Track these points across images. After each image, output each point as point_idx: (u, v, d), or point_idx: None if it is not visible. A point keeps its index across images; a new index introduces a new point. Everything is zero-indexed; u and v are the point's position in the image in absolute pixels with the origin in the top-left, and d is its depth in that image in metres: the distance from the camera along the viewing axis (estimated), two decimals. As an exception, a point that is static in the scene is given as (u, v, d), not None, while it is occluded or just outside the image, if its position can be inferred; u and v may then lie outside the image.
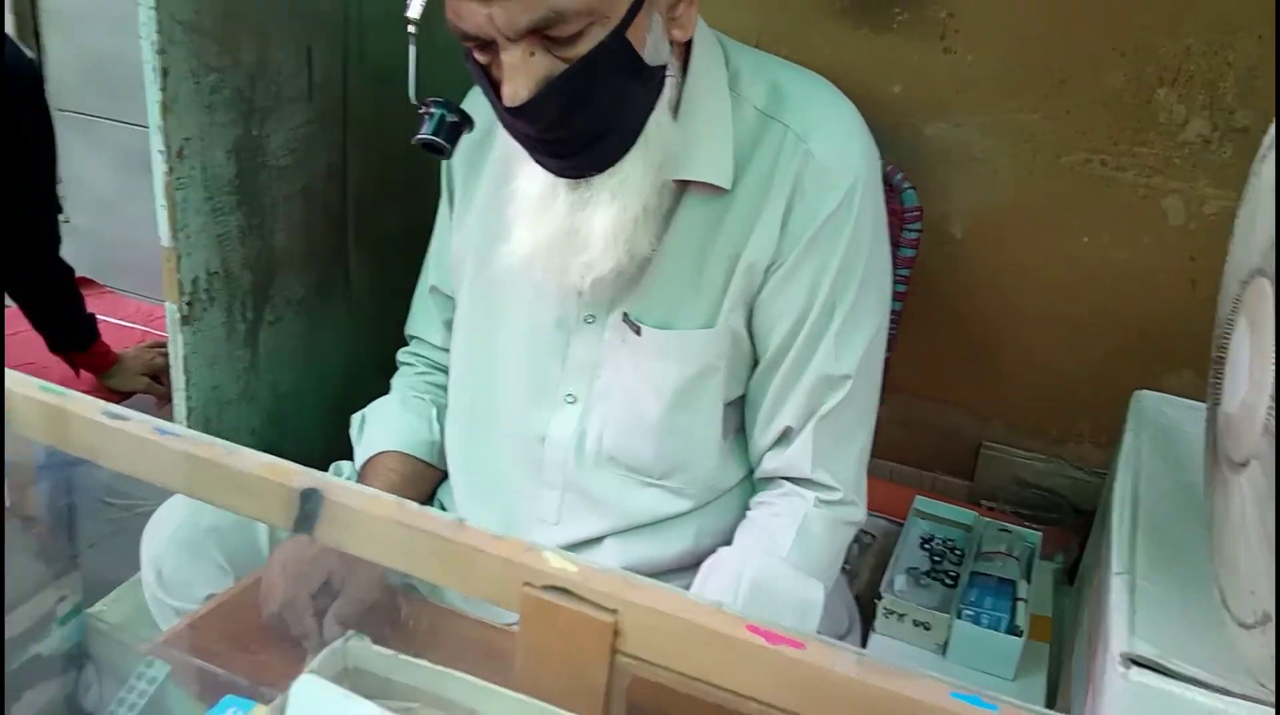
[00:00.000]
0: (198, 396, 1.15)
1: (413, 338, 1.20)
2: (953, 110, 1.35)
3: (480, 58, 0.84)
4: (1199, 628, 0.82)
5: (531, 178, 0.91)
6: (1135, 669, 0.79)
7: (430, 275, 1.15)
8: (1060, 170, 1.34)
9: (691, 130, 0.92)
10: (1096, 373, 1.40)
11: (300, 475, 0.64)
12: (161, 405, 1.74)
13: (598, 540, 1.05)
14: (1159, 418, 1.17)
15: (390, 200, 1.37)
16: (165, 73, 1.02)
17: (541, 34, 0.80)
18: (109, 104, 1.82)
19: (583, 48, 0.81)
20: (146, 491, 0.97)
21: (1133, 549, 0.95)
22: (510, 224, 0.94)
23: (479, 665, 0.63)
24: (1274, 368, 0.70)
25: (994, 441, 1.58)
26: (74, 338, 1.70)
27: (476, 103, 0.97)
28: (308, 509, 0.62)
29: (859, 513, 1.03)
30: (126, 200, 2.01)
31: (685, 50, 0.93)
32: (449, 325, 1.14)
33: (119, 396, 1.74)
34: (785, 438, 1.00)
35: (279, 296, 1.25)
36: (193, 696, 0.72)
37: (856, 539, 1.18)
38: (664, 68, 0.88)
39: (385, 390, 1.19)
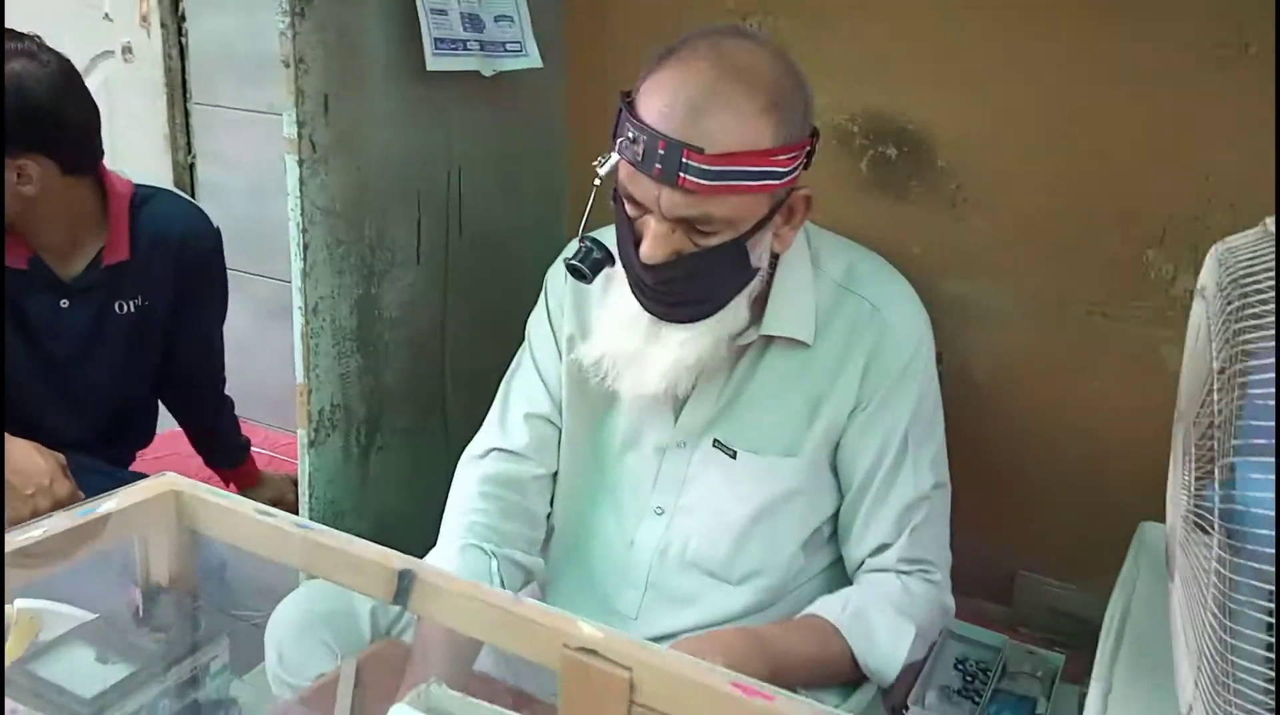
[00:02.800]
0: (319, 508, 1.37)
1: (488, 451, 1.27)
2: (966, 269, 1.53)
3: (631, 212, 1.07)
4: None
5: (626, 301, 1.12)
6: None
7: (529, 400, 1.27)
8: (1066, 322, 1.49)
9: (782, 297, 1.15)
10: (1116, 508, 1.49)
11: (399, 560, 0.84)
12: None
13: (676, 635, 1.20)
14: (1159, 545, 1.28)
15: (481, 344, 1.60)
16: (306, 247, 1.28)
17: (688, 222, 1.03)
18: (248, 261, 2.13)
19: (712, 242, 1.04)
20: (263, 605, 1.17)
21: (1113, 660, 1.06)
22: (594, 329, 1.17)
23: None
24: (1184, 494, 0.85)
25: (1027, 570, 1.67)
26: (229, 456, 1.98)
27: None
28: (404, 585, 0.82)
29: (950, 600, 1.24)
30: (259, 344, 2.32)
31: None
32: (537, 440, 1.26)
33: (250, 511, 1.99)
34: (881, 549, 1.20)
35: (387, 426, 1.48)
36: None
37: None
38: (759, 269, 1.11)
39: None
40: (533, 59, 1.51)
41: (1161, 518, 1.32)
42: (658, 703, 0.74)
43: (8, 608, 0.90)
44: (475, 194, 1.55)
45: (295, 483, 2.01)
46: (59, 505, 1.47)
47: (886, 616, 1.15)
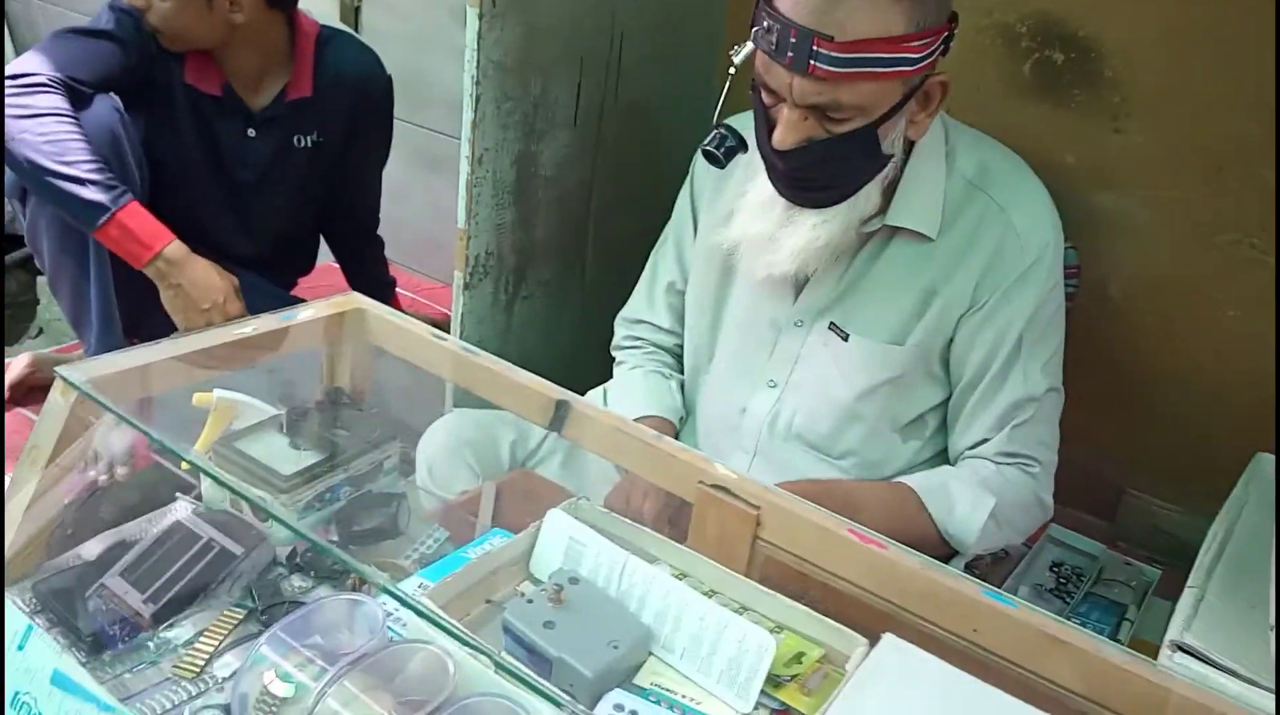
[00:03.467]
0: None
1: (636, 322, 1.44)
2: (1118, 183, 1.51)
3: (766, 99, 1.11)
4: (1245, 633, 0.96)
5: (762, 187, 1.18)
6: (1180, 654, 0.95)
7: (668, 271, 1.39)
8: (1213, 247, 1.47)
9: (911, 189, 1.18)
10: (1232, 435, 1.49)
11: (557, 391, 0.93)
12: None
13: None
14: (1270, 477, 1.30)
15: (623, 209, 1.68)
16: (478, 99, 1.35)
17: (819, 109, 1.06)
18: (405, 109, 2.21)
19: (844, 128, 1.07)
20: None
21: (1210, 573, 1.09)
22: (735, 214, 1.21)
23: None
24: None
25: (1137, 490, 1.69)
26: (377, 293, 2.09)
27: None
28: (560, 413, 0.91)
29: (1047, 496, 1.26)
30: (410, 191, 2.43)
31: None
32: (676, 314, 1.40)
33: (386, 349, 2.14)
34: (981, 443, 1.24)
35: (532, 278, 1.57)
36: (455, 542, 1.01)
37: (991, 553, 1.37)
38: (892, 156, 1.14)
39: (604, 364, 1.47)
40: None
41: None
42: (780, 540, 0.82)
43: (206, 395, 1.03)
44: (634, 62, 1.59)
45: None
46: (229, 322, 1.61)
47: (967, 487, 1.20)
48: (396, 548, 0.96)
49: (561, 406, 0.91)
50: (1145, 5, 1.44)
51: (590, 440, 0.91)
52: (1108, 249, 1.56)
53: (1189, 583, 1.09)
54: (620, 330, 1.47)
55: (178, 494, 0.97)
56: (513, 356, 1.58)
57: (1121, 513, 1.73)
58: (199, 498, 0.97)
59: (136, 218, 1.53)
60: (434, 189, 2.45)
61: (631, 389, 1.39)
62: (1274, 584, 0.94)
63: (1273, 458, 1.33)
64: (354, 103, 1.81)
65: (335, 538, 0.94)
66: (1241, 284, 1.47)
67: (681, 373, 1.42)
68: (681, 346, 1.42)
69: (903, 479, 1.23)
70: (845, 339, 1.23)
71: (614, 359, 1.47)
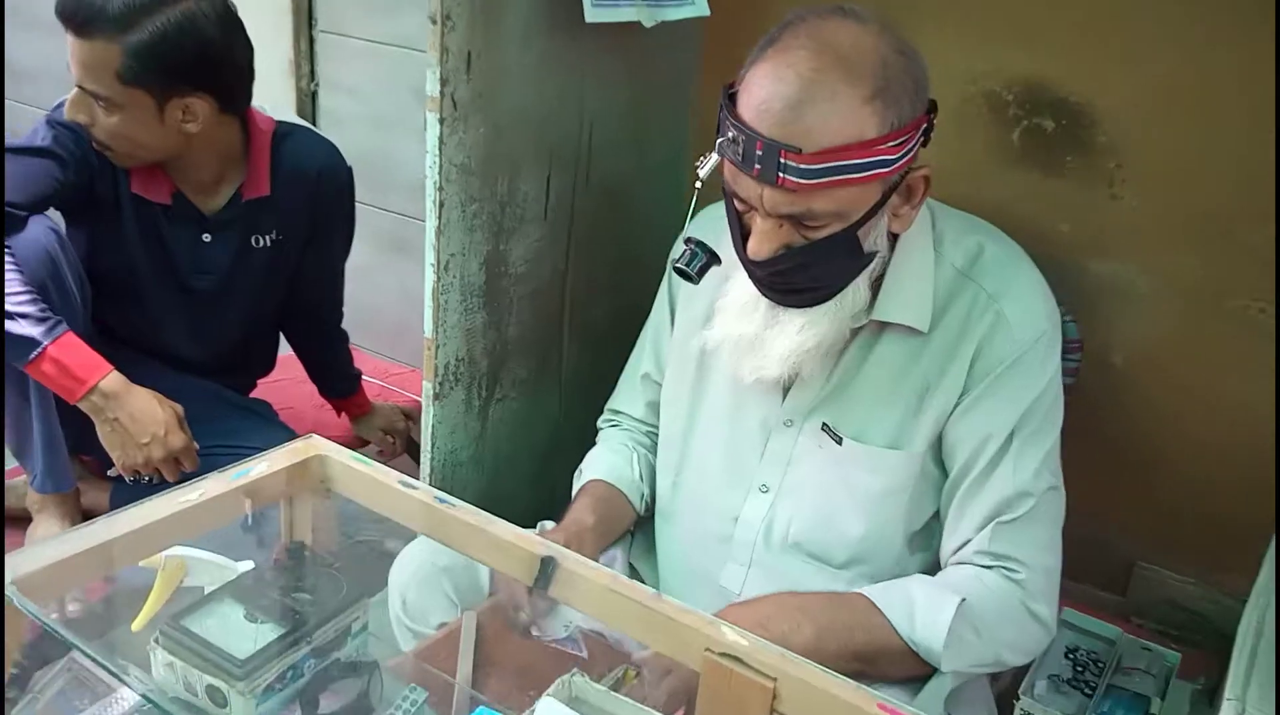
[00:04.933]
0: (439, 458, 1.40)
1: (616, 412, 1.42)
2: (1116, 250, 1.45)
3: (739, 206, 1.05)
4: None
5: (743, 286, 1.11)
6: None
7: (644, 363, 1.36)
8: (1220, 313, 1.41)
9: (898, 282, 1.11)
10: (1249, 506, 1.44)
11: (542, 546, 0.84)
12: (385, 459, 2.02)
13: None
14: (1300, 561, 1.24)
15: (600, 296, 1.60)
16: (442, 205, 1.27)
17: (794, 218, 1.01)
18: (367, 192, 2.14)
19: (820, 234, 1.02)
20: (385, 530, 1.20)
21: (1248, 679, 1.03)
22: (716, 315, 1.15)
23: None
24: None
25: (1147, 562, 1.63)
26: (342, 388, 2.03)
27: (706, 224, 1.18)
28: (546, 571, 0.83)
29: (1042, 609, 1.12)
30: (375, 276, 2.35)
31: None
32: (652, 406, 1.36)
33: (359, 442, 2.04)
34: (965, 545, 1.14)
35: (506, 378, 1.48)
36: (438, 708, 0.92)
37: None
38: (876, 252, 1.08)
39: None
40: (700, 7, 1.42)
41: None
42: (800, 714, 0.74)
43: (156, 557, 0.93)
44: (605, 146, 1.53)
45: (405, 413, 2.07)
46: (171, 455, 1.52)
47: (930, 589, 1.10)
48: (371, 721, 0.87)
49: (548, 563, 0.83)
50: (1137, 68, 1.39)
51: (581, 600, 0.83)
52: (1108, 319, 1.50)
53: (1227, 694, 1.02)
54: (604, 414, 1.45)
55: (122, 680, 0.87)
56: (488, 462, 1.53)
57: (1134, 586, 1.67)
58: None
59: (70, 351, 1.43)
60: (400, 272, 2.38)
61: (594, 458, 1.37)
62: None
63: (1299, 541, 1.26)
64: (313, 197, 1.73)
65: (302, 720, 0.85)
66: (1253, 353, 1.41)
67: (654, 454, 1.36)
68: (655, 436, 1.36)
69: (863, 589, 1.12)
70: (839, 442, 1.16)
71: None
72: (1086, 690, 1.40)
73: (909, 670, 1.10)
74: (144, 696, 0.81)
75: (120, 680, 0.80)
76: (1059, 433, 1.15)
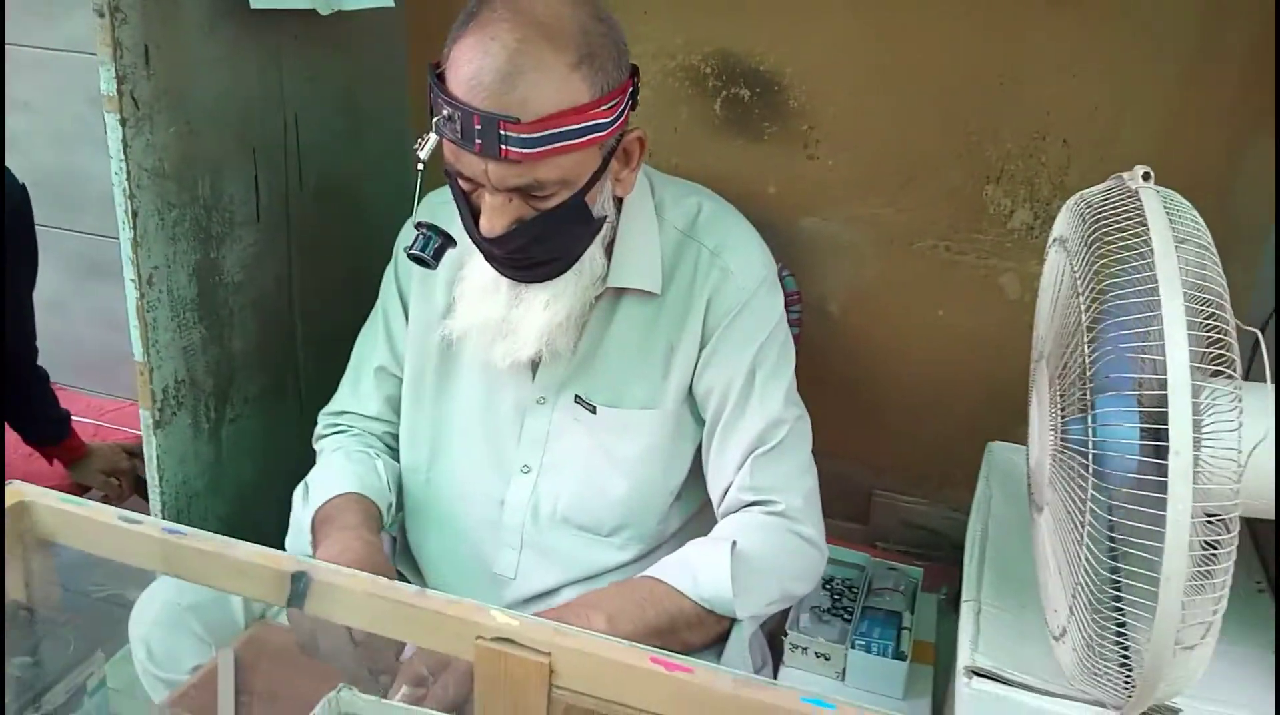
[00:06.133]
0: (169, 491, 1.29)
1: (340, 413, 1.30)
2: (820, 207, 1.57)
3: (464, 186, 1.03)
4: (1030, 642, 0.98)
5: (481, 270, 1.10)
6: (976, 679, 0.95)
7: (377, 356, 1.27)
8: (913, 255, 1.55)
9: (627, 248, 1.14)
10: (962, 427, 1.59)
11: (289, 561, 0.79)
12: (115, 502, 1.85)
13: (555, 591, 1.21)
14: (1007, 465, 1.36)
15: (331, 300, 1.53)
16: (135, 214, 1.17)
17: (522, 190, 1.00)
18: (55, 214, 1.94)
19: (550, 204, 1.01)
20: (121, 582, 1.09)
21: (979, 580, 1.13)
22: (456, 303, 1.13)
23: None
24: (1051, 433, 0.90)
25: (883, 489, 1.77)
26: (49, 433, 1.82)
27: (435, 209, 1.16)
28: (299, 588, 0.78)
29: (809, 530, 1.17)
30: (72, 301, 2.13)
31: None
32: (390, 401, 1.28)
33: (80, 488, 1.85)
34: (730, 487, 1.18)
35: (237, 396, 1.39)
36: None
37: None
38: (605, 217, 1.10)
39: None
40: (383, -4, 1.38)
41: (1005, 437, 1.42)
42: (579, 684, 0.74)
43: None
44: (315, 142, 1.46)
45: (128, 451, 1.90)
46: None
47: (699, 546, 1.13)
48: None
49: (298, 579, 0.78)
50: (814, 33, 1.49)
51: (341, 612, 0.78)
52: (821, 269, 1.60)
53: (964, 595, 1.12)
54: (321, 422, 1.32)
55: None
56: (229, 488, 1.42)
57: (874, 513, 1.80)
58: None
59: None
60: (99, 298, 2.17)
61: (332, 469, 1.23)
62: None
63: (1004, 445, 1.39)
64: None
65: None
66: (944, 286, 1.56)
67: (394, 457, 1.29)
68: (393, 434, 1.29)
69: (643, 573, 1.13)
70: (594, 411, 1.17)
71: None
72: (845, 616, 1.49)
73: (710, 632, 1.12)
74: None
75: None
76: (794, 369, 1.22)
